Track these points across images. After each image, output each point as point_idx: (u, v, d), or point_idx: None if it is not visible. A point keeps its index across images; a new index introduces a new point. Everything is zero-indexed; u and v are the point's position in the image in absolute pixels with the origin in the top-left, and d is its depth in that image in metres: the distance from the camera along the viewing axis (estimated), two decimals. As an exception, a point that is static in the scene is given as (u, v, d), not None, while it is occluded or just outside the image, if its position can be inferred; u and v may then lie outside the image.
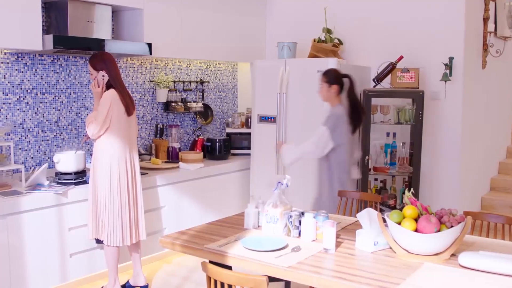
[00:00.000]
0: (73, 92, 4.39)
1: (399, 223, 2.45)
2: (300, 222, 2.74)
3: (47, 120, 4.23)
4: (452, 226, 2.39)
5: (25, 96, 4.08)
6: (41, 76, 4.17)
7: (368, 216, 2.59)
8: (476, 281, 2.14)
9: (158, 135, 5.06)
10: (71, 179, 3.89)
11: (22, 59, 4.03)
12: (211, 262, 2.39)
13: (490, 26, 5.16)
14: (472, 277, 2.19)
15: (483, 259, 2.25)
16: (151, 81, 5.01)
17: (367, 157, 4.48)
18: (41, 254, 3.63)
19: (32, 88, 4.12)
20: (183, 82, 5.30)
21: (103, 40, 4.04)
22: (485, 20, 5.08)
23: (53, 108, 4.26)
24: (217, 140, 5.20)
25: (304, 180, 4.52)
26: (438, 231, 2.38)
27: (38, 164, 4.17)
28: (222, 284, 2.19)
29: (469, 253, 2.32)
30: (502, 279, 2.16)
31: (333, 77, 3.80)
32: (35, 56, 4.11)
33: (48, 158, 4.23)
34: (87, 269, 3.93)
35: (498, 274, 2.20)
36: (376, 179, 4.79)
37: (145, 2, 4.43)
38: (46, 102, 4.21)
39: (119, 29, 4.60)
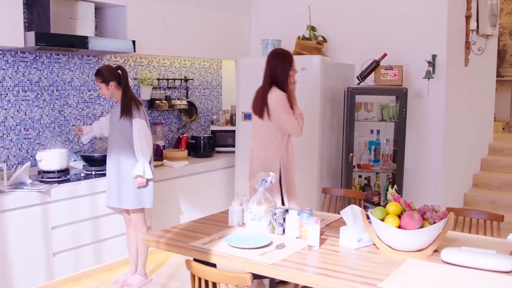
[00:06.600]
0: (56, 90, 4.35)
1: (383, 220, 2.46)
2: (284, 219, 2.75)
3: (29, 118, 4.18)
4: (435, 222, 2.41)
5: (7, 94, 4.03)
6: (23, 74, 4.12)
7: (352, 213, 2.61)
8: (458, 277, 2.17)
9: (142, 133, 5.03)
10: (54, 178, 3.85)
11: (3, 56, 3.98)
12: (195, 260, 2.39)
13: (472, 24, 5.22)
14: (454, 273, 2.21)
15: (465, 254, 2.27)
16: (135, 79, 4.98)
17: (351, 154, 4.50)
18: (25, 253, 3.59)
19: (14, 86, 4.07)
20: (167, 79, 5.28)
21: (86, 37, 4.00)
22: (467, 18, 5.12)
23: (36, 106, 4.22)
24: (202, 138, 5.18)
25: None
26: (421, 227, 2.40)
27: (21, 162, 4.12)
28: (207, 282, 2.19)
29: (451, 249, 2.35)
30: (484, 274, 2.19)
31: (107, 75, 3.82)
32: (17, 53, 4.06)
33: (31, 156, 4.18)
34: (72, 267, 3.90)
35: (480, 269, 2.23)
36: (360, 176, 4.82)
37: (129, -1, 4.41)
38: (28, 100, 4.16)
39: (102, 26, 4.56)
